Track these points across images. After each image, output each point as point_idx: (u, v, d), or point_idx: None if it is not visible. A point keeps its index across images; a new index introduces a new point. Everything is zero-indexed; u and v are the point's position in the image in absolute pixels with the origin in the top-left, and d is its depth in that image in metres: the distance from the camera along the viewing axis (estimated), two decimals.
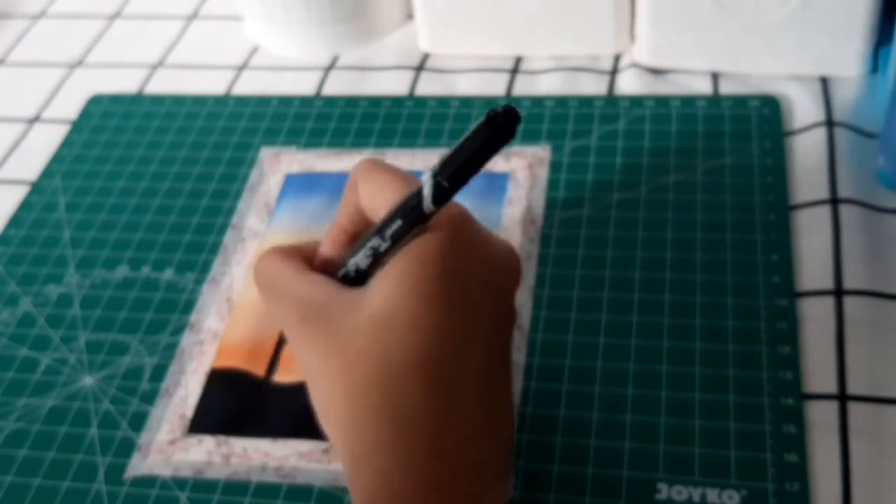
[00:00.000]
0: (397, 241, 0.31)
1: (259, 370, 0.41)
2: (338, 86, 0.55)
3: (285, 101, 0.54)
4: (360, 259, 0.32)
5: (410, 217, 0.30)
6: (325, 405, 0.31)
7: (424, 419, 0.29)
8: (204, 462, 0.38)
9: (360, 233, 0.34)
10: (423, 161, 0.49)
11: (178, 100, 0.55)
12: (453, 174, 0.29)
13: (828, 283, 0.40)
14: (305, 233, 0.46)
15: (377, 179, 0.33)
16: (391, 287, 0.30)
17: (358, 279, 0.32)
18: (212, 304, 0.44)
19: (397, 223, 0.31)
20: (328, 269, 0.34)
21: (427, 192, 0.29)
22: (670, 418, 0.37)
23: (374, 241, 0.31)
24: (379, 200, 0.32)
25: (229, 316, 0.43)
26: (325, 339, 0.31)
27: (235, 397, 0.40)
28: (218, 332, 0.43)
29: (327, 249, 0.35)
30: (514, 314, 0.34)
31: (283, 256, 0.34)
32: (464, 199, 0.46)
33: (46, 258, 0.48)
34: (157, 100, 0.56)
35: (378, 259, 0.32)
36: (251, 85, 0.56)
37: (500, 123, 0.28)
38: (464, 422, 0.30)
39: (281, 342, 0.41)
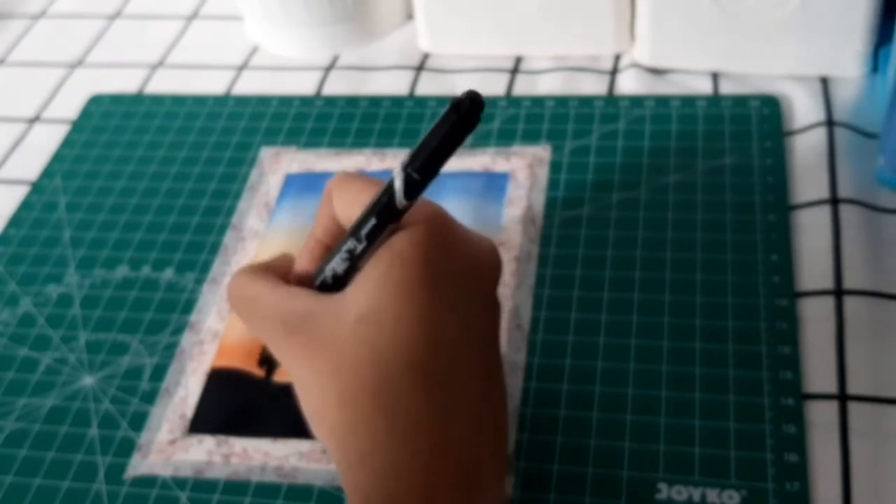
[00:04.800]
0: (373, 240, 0.30)
1: (259, 370, 0.41)
2: (338, 86, 0.55)
3: (285, 100, 0.54)
4: (337, 264, 0.32)
5: (384, 214, 0.30)
6: (317, 413, 0.31)
7: (419, 418, 0.29)
8: (204, 462, 0.38)
9: (336, 245, 0.33)
10: None
11: (179, 100, 0.55)
12: (423, 165, 0.29)
13: (828, 283, 0.40)
14: (305, 233, 0.46)
15: (351, 189, 0.33)
16: (373, 288, 0.30)
17: (335, 285, 0.32)
18: (212, 304, 0.44)
19: (371, 222, 0.30)
20: (305, 283, 0.33)
21: (398, 185, 0.29)
22: (670, 418, 0.37)
23: (350, 244, 0.31)
24: (354, 209, 0.32)
25: (229, 316, 0.43)
26: (312, 347, 0.30)
27: (235, 397, 0.40)
28: (218, 332, 0.43)
29: (304, 264, 0.34)
30: (499, 309, 0.33)
31: (256, 274, 0.34)
32: (464, 198, 0.46)
33: (47, 258, 0.48)
34: (157, 100, 0.56)
35: (355, 262, 0.31)
36: (251, 85, 0.56)
37: (465, 110, 0.27)
38: (459, 420, 0.30)
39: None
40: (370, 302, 0.30)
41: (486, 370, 0.32)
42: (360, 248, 0.31)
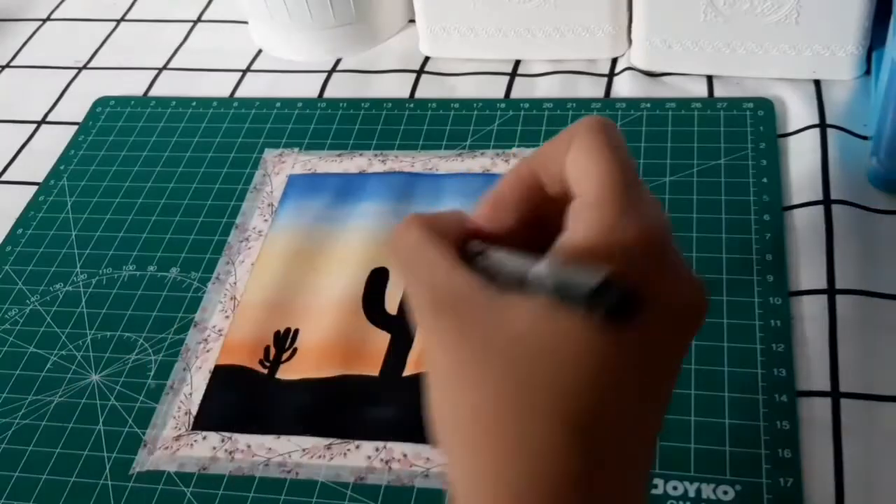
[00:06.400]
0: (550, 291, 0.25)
1: (262, 367, 0.42)
2: (340, 88, 0.55)
3: (288, 103, 0.55)
4: (509, 270, 0.27)
5: (567, 299, 0.25)
6: (448, 410, 0.27)
7: (556, 478, 0.25)
8: (208, 458, 0.39)
9: (522, 199, 0.29)
10: (422, 163, 0.49)
11: (183, 102, 0.56)
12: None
13: (821, 282, 0.41)
14: (308, 232, 0.47)
15: (606, 143, 0.27)
16: (544, 318, 0.25)
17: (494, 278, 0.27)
18: (216, 302, 0.45)
19: (552, 293, 0.25)
20: (473, 238, 0.29)
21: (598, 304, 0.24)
22: (667, 415, 0.37)
23: (533, 272, 0.26)
24: (588, 171, 0.26)
25: (233, 314, 0.44)
26: (459, 341, 0.26)
27: (239, 394, 0.41)
28: (222, 330, 0.44)
29: (483, 216, 0.30)
30: (681, 363, 0.28)
31: (426, 231, 0.29)
32: (464, 199, 0.47)
33: (54, 257, 0.48)
34: (163, 102, 0.56)
35: (523, 283, 0.26)
36: (255, 87, 0.57)
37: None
38: (601, 484, 0.25)
39: (280, 337, 0.42)
40: (537, 331, 0.25)
41: (651, 437, 0.27)
42: (541, 281, 0.26)
